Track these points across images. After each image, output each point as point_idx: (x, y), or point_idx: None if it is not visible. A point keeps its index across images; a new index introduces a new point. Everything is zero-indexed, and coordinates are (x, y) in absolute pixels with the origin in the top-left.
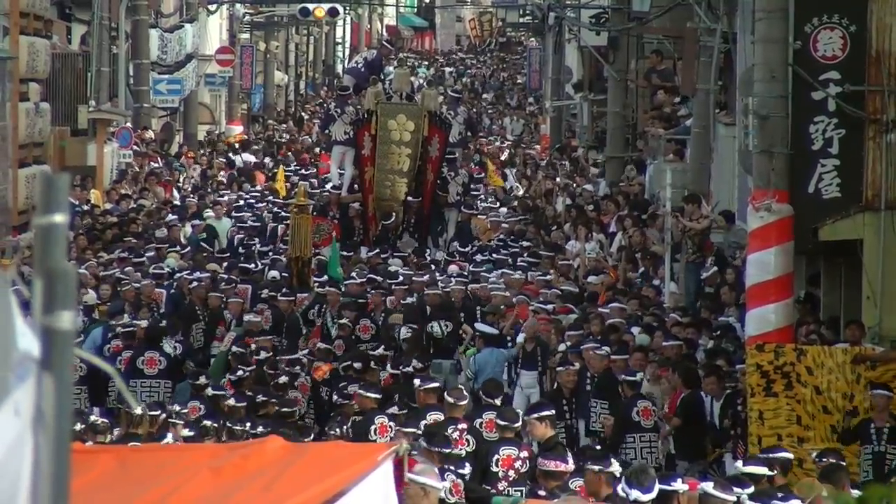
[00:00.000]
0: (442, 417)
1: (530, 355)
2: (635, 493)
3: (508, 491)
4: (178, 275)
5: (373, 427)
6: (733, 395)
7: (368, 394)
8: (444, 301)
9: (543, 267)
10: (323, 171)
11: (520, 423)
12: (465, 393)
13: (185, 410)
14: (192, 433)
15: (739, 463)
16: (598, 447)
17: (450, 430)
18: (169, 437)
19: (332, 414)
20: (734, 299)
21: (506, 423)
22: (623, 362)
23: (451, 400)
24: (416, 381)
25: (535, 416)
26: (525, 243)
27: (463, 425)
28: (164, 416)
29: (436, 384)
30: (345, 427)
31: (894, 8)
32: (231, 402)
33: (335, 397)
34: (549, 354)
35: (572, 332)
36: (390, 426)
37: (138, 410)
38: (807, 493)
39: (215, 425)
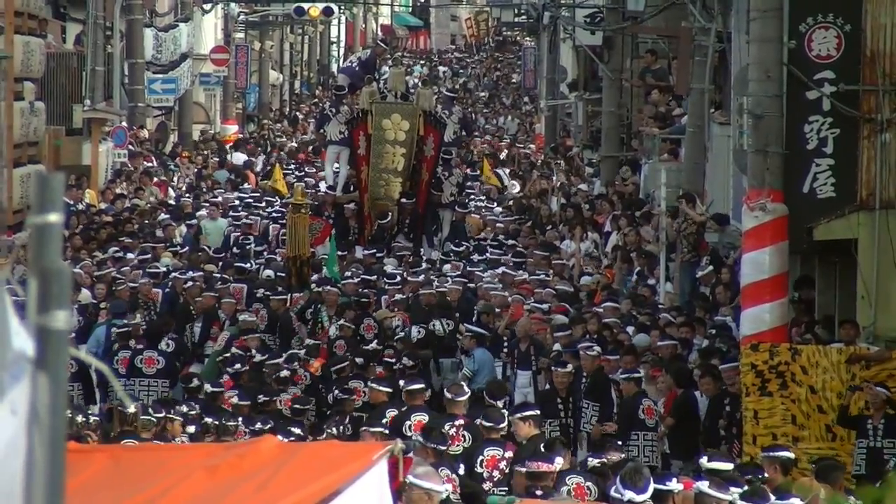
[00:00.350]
0: (427, 419)
1: (524, 355)
2: (630, 494)
3: (493, 491)
4: (172, 274)
5: (384, 420)
6: (721, 395)
7: (380, 387)
8: (442, 300)
9: (535, 266)
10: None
11: (505, 423)
12: (464, 388)
13: (193, 413)
14: (194, 429)
15: (704, 459)
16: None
17: (447, 427)
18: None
19: (328, 413)
20: (729, 299)
21: (490, 423)
22: (615, 362)
23: (449, 396)
24: (401, 382)
25: (519, 415)
26: (510, 242)
27: (460, 421)
28: (165, 415)
29: (421, 385)
30: (343, 425)
31: (889, 7)
32: (234, 399)
33: (334, 392)
34: (543, 354)
35: (560, 332)
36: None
37: (132, 409)
38: (804, 493)
39: (216, 423)
